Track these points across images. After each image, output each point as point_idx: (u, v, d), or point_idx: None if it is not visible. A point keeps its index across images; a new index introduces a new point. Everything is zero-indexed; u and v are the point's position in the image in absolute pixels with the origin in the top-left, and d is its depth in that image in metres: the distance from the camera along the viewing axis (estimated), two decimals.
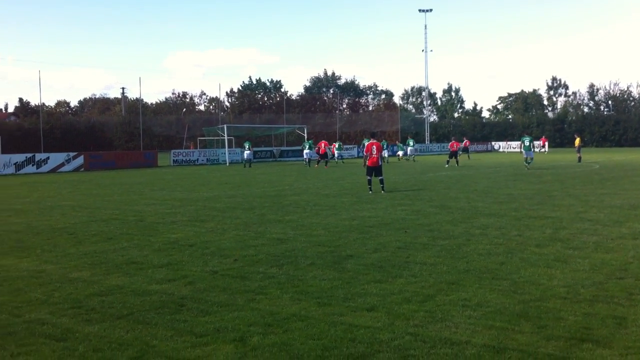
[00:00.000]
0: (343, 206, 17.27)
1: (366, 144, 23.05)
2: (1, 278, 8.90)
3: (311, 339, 6.05)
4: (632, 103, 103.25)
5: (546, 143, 71.09)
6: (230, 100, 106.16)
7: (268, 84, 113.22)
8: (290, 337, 6.09)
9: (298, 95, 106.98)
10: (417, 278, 8.42)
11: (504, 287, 7.85)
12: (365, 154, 22.29)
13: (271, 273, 8.89)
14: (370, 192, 21.23)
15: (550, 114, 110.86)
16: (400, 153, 55.76)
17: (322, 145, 44.72)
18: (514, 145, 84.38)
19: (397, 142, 59.58)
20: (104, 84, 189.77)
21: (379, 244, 11.07)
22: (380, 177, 21.74)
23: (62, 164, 42.79)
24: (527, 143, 35.68)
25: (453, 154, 40.60)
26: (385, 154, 49.29)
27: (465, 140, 54.73)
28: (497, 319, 6.55)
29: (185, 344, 5.98)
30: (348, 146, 65.97)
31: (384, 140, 52.24)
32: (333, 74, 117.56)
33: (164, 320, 6.73)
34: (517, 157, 58.43)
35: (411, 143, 54.47)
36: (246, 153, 46.52)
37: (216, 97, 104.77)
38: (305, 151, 46.28)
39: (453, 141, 41.82)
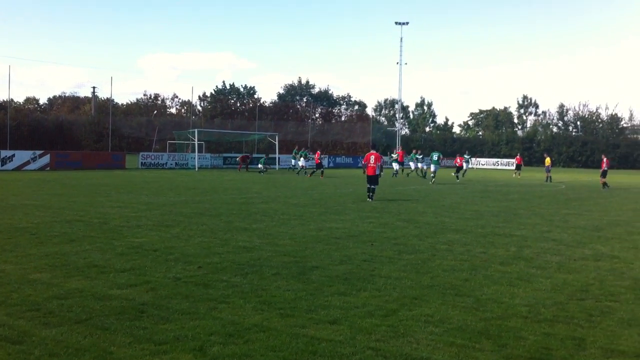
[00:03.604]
0: (311, 216, 17.24)
1: (366, 154, 24.12)
2: None
3: (272, 350, 6.00)
4: (600, 125, 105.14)
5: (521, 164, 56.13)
6: (202, 105, 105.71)
7: (241, 89, 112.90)
8: (251, 348, 6.03)
9: (271, 103, 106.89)
10: (381, 292, 8.42)
11: (467, 304, 7.89)
12: (364, 163, 23.59)
13: (235, 282, 8.81)
14: (369, 199, 22.43)
15: (520, 132, 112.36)
16: (417, 165, 47.47)
17: (316, 154, 43.62)
18: (483, 162, 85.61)
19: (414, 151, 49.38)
20: (75, 82, 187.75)
21: (345, 256, 11.05)
22: (373, 186, 22.82)
23: (28, 162, 42.10)
24: (435, 158, 39.39)
25: (459, 168, 43.62)
26: (420, 165, 46.52)
27: (399, 152, 50.29)
28: (459, 336, 6.57)
29: (144, 351, 5.89)
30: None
31: (413, 153, 48.88)
32: (307, 82, 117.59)
33: (123, 326, 6.62)
34: (486, 173, 59.07)
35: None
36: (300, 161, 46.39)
37: (188, 100, 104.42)
38: (299, 161, 45.89)
39: (458, 156, 45.13)
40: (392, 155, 51.01)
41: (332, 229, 14.64)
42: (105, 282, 8.59)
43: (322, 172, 41.90)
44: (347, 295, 8.18)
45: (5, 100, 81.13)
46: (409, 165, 48.89)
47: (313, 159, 44.49)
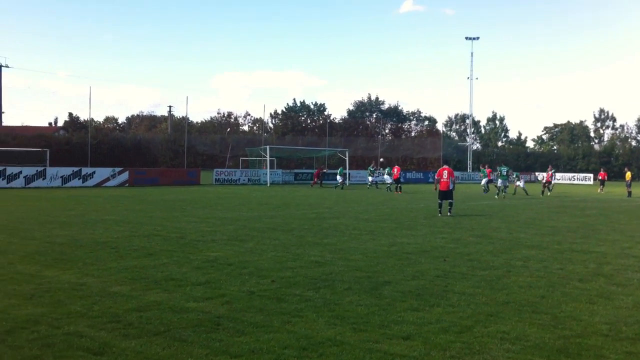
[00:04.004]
0: (382, 232, 17.19)
1: (439, 169, 24.16)
2: (43, 289, 9.05)
3: None
4: None
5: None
6: (273, 122, 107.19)
7: (312, 106, 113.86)
8: None
9: (341, 119, 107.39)
10: (455, 308, 8.32)
11: (544, 322, 7.70)
12: (436, 178, 23.60)
13: (308, 296, 8.87)
14: (440, 214, 22.62)
15: (596, 146, 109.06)
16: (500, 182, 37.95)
17: (396, 170, 43.58)
18: (558, 177, 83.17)
19: (497, 166, 40.23)
20: (152, 101, 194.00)
21: (417, 272, 10.97)
22: (450, 201, 23.03)
23: (108, 179, 43.57)
24: (504, 172, 37.34)
25: (548, 183, 42.96)
26: (500, 182, 38.04)
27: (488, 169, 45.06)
28: (536, 354, 6.42)
29: None
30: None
31: (482, 169, 45.15)
32: (377, 98, 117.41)
33: (200, 338, 6.76)
34: (562, 188, 57.42)
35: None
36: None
37: (260, 118, 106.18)
38: (386, 176, 46.48)
39: (548, 171, 44.02)
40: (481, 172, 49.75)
41: (403, 245, 14.55)
42: (182, 295, 8.80)
43: (397, 187, 42.30)
44: (420, 311, 8.11)
45: (86, 119, 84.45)
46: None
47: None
